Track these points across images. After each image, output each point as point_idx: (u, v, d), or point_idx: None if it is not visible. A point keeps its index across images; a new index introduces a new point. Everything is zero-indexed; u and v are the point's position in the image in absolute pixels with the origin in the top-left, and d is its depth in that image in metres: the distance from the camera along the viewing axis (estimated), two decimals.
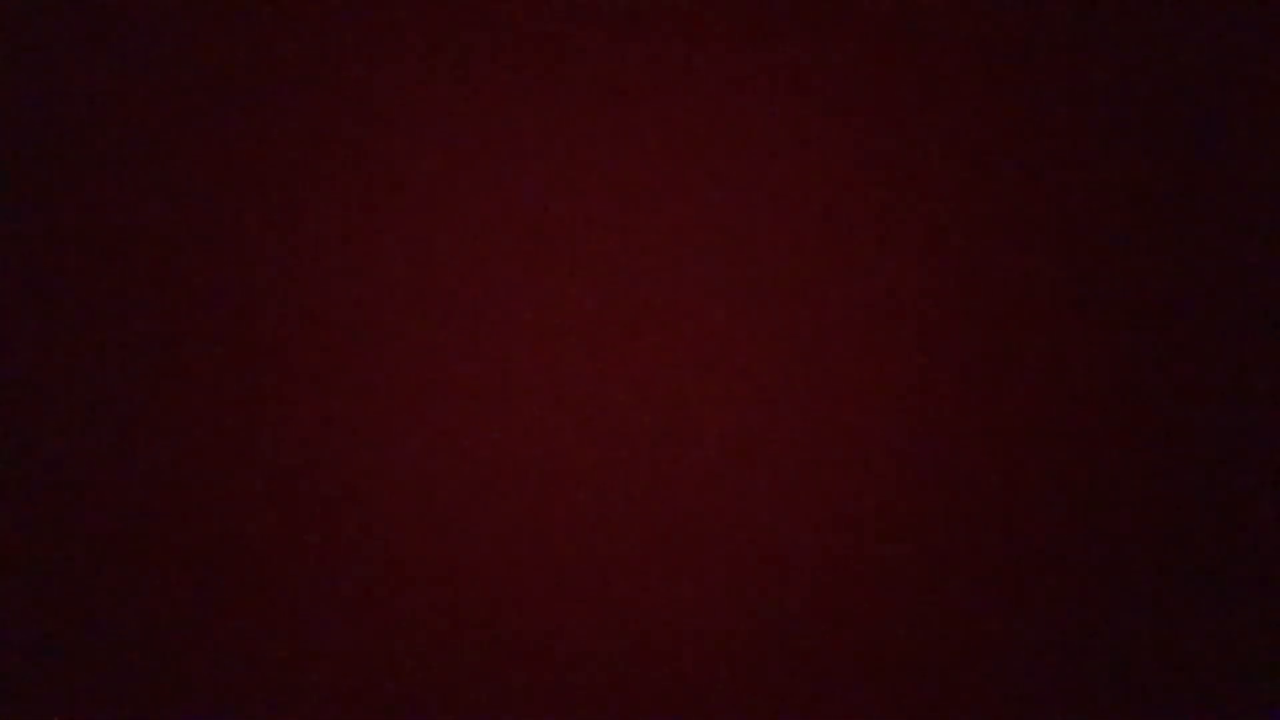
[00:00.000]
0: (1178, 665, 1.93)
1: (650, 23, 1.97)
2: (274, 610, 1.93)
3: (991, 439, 1.94)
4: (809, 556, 1.94)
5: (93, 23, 1.97)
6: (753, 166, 1.96)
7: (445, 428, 1.94)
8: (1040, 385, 1.95)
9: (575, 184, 1.96)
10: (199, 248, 1.95)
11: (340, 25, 1.97)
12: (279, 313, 1.95)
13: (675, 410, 1.95)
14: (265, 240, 1.95)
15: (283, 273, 1.95)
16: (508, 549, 1.94)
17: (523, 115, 1.97)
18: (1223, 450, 1.94)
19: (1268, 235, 1.96)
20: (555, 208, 1.96)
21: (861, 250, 1.96)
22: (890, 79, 1.97)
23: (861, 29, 1.97)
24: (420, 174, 1.96)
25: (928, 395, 1.95)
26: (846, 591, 1.93)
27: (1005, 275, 1.96)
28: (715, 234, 1.96)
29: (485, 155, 1.97)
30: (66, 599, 1.93)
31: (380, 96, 1.97)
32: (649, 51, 1.96)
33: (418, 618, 1.93)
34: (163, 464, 1.94)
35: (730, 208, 1.96)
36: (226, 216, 1.96)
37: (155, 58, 1.96)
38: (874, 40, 1.96)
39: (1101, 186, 1.97)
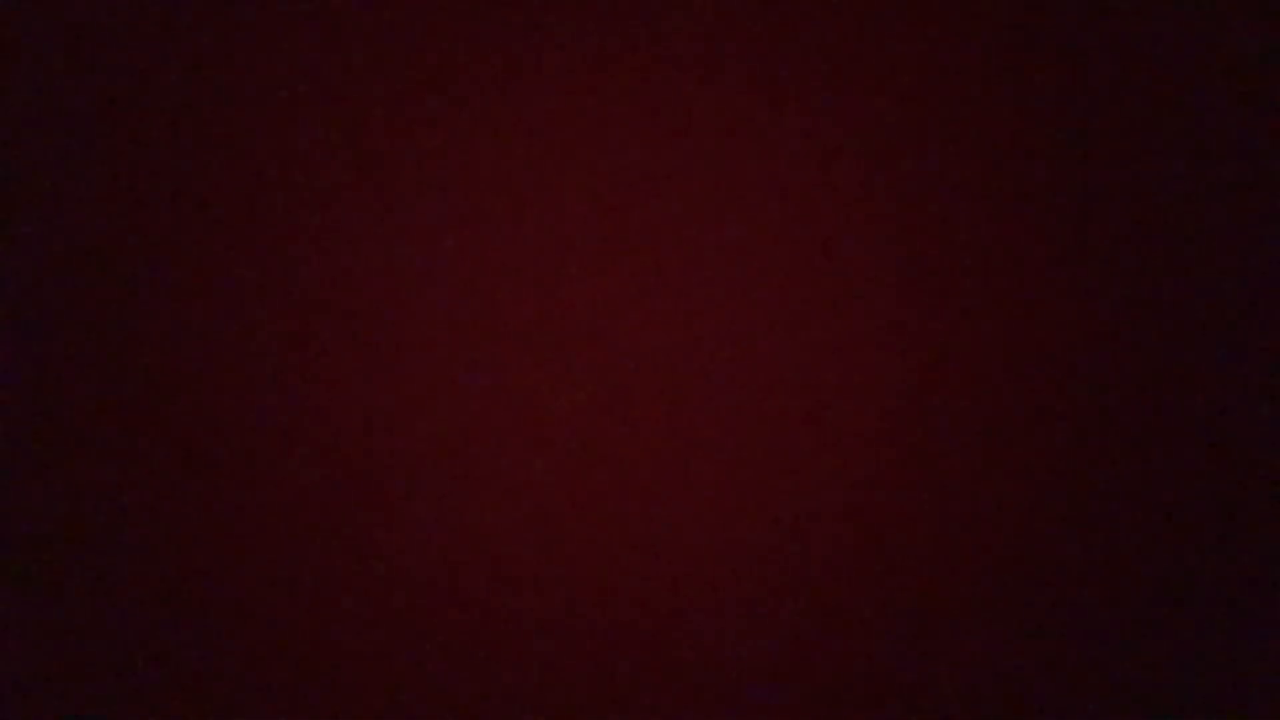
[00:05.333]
0: (1177, 665, 1.93)
1: (651, 23, 1.97)
2: (273, 609, 1.93)
3: (991, 438, 1.95)
4: (807, 556, 1.94)
5: (94, 24, 1.97)
6: (752, 166, 1.96)
7: (445, 427, 1.94)
8: (1039, 385, 1.95)
9: (577, 184, 1.97)
10: (203, 247, 1.95)
11: (341, 26, 1.97)
12: (279, 312, 1.95)
13: (675, 409, 1.95)
14: (266, 240, 1.95)
15: (284, 273, 1.95)
16: (508, 547, 1.94)
17: (525, 115, 1.97)
18: (1222, 450, 1.95)
19: (1268, 235, 1.96)
20: (557, 207, 1.96)
21: (861, 250, 1.96)
22: (889, 79, 1.97)
23: (861, 29, 1.97)
24: (422, 174, 1.96)
25: (928, 393, 1.95)
26: (847, 591, 1.94)
27: (1004, 274, 1.96)
28: (716, 233, 1.96)
29: (487, 155, 1.97)
30: (66, 598, 1.93)
31: (384, 97, 1.97)
32: (649, 52, 1.97)
33: (417, 616, 1.93)
34: (166, 463, 1.94)
35: (730, 208, 1.96)
36: (231, 216, 1.96)
37: (157, 58, 1.97)
38: (873, 40, 1.97)
39: (1100, 186, 1.97)
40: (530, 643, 1.93)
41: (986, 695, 1.93)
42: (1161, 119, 1.97)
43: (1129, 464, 1.95)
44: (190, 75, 1.97)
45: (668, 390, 1.95)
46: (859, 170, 1.96)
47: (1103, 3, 1.97)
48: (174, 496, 1.94)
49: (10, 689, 1.92)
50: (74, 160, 1.96)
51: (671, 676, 1.93)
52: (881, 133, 1.96)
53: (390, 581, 1.93)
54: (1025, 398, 1.95)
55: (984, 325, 1.95)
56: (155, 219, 1.96)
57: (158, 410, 1.94)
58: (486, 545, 1.94)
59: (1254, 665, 1.93)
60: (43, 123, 1.97)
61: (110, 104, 1.97)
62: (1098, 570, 1.94)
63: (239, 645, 1.93)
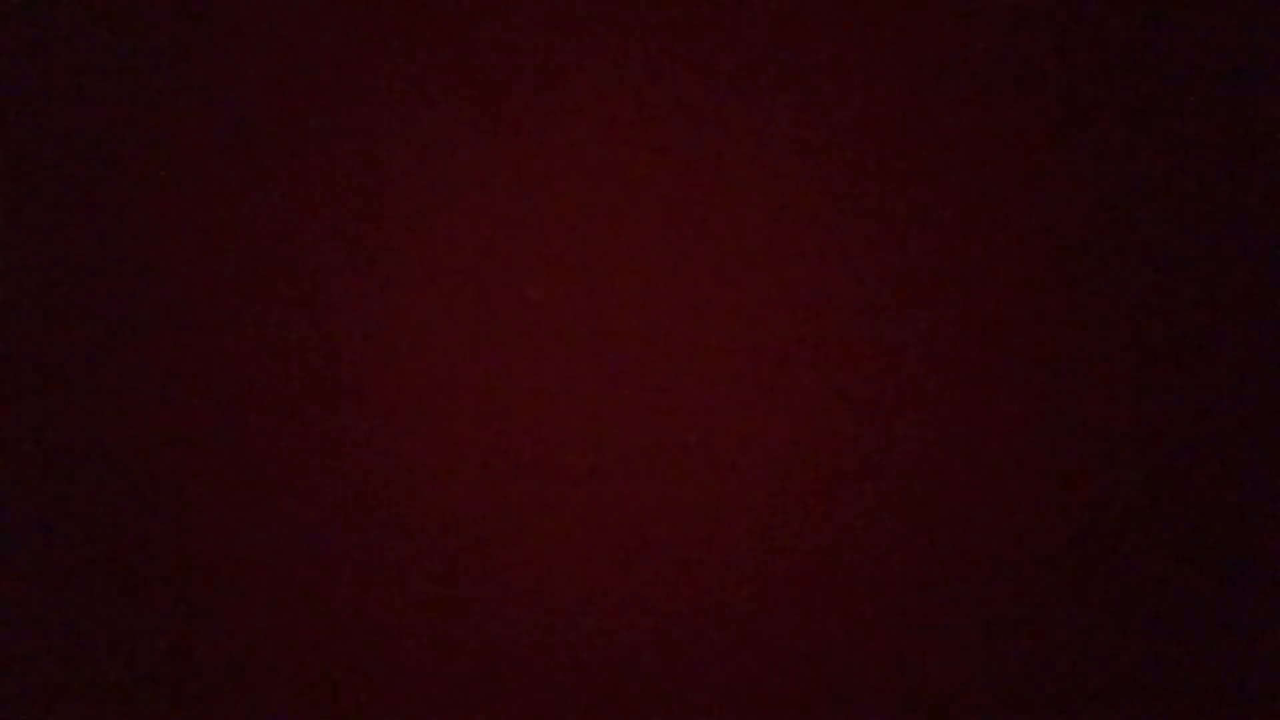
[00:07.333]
0: (1175, 666, 1.93)
1: (649, 23, 1.97)
2: (271, 609, 1.93)
3: (989, 438, 1.94)
4: (804, 555, 1.94)
5: (95, 25, 1.97)
6: (750, 166, 1.96)
7: (444, 427, 1.95)
8: (1037, 385, 1.95)
9: (574, 183, 1.97)
10: (202, 248, 1.96)
11: (341, 26, 1.97)
12: (278, 311, 1.95)
13: (674, 409, 1.95)
14: (264, 240, 1.96)
15: (282, 273, 1.96)
16: (506, 547, 1.94)
17: (525, 115, 1.97)
18: (1222, 450, 1.94)
19: (1268, 235, 1.96)
20: (554, 207, 1.96)
21: (860, 250, 1.96)
22: (887, 78, 1.96)
23: (858, 28, 1.97)
24: (421, 174, 1.97)
25: (926, 393, 1.95)
26: (844, 591, 1.93)
27: (1002, 274, 1.96)
28: (714, 233, 1.96)
29: (486, 155, 1.97)
30: (65, 598, 1.94)
31: (382, 97, 1.97)
32: (646, 52, 1.97)
33: (415, 617, 1.93)
34: (165, 463, 1.94)
35: (727, 207, 1.96)
36: (230, 216, 1.96)
37: (157, 56, 1.97)
38: (870, 39, 1.96)
39: (1099, 186, 1.96)
40: (527, 643, 1.93)
41: (985, 696, 1.93)
42: (1159, 119, 1.96)
43: (1126, 464, 1.94)
44: (190, 72, 1.97)
45: (665, 390, 1.95)
46: (858, 171, 1.96)
47: (1100, 3, 1.97)
48: (171, 495, 1.94)
49: (10, 689, 1.93)
50: (71, 161, 1.97)
51: (667, 676, 1.93)
52: (882, 134, 1.96)
53: (387, 583, 1.93)
54: (1024, 399, 1.95)
55: (982, 326, 1.95)
56: (158, 217, 1.96)
57: (155, 407, 1.95)
58: (485, 545, 1.94)
59: (1252, 665, 1.92)
60: (42, 123, 1.97)
61: (108, 105, 1.97)
62: (1097, 571, 1.94)
63: (234, 645, 1.93)
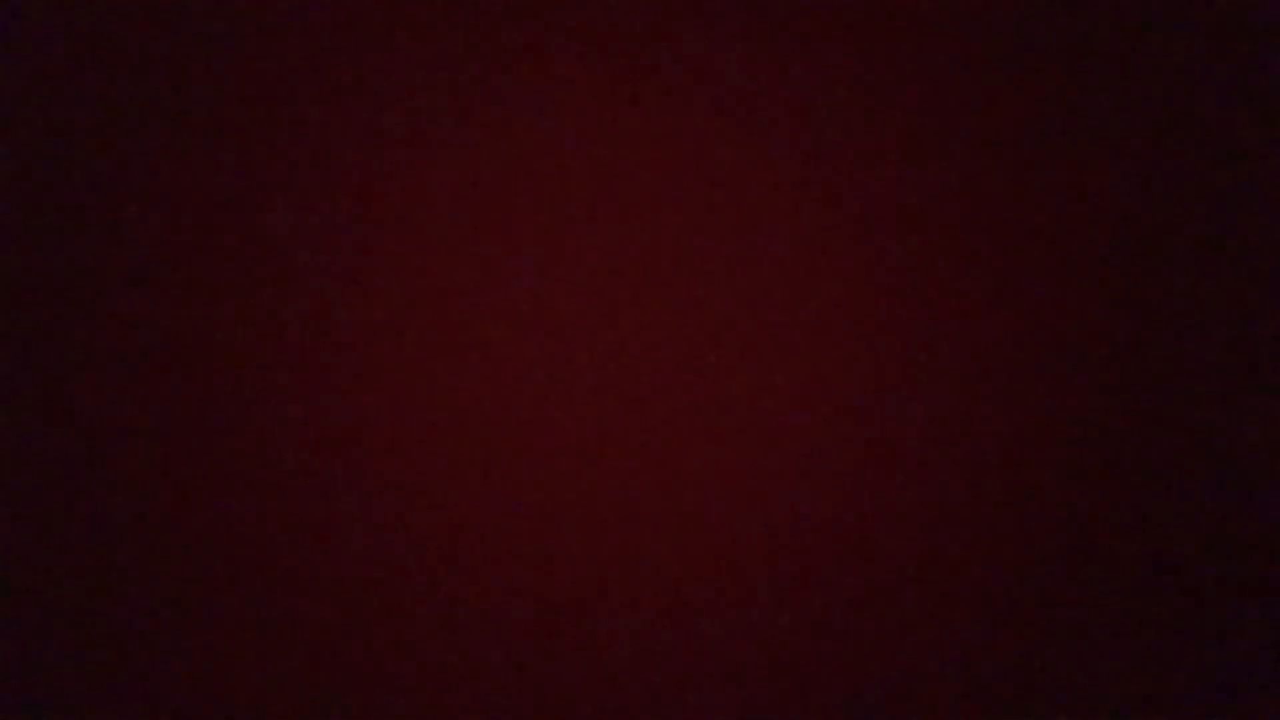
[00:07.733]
0: (1174, 666, 1.93)
1: (647, 23, 1.97)
2: (271, 607, 1.93)
3: (988, 437, 1.95)
4: (804, 553, 1.94)
5: (97, 26, 1.97)
6: (749, 165, 1.96)
7: (444, 426, 1.95)
8: (1037, 384, 1.95)
9: (573, 182, 1.97)
10: (200, 247, 1.96)
11: (341, 27, 1.97)
12: (279, 311, 1.95)
13: (672, 408, 1.95)
14: (264, 240, 1.96)
15: (283, 273, 1.95)
16: (505, 545, 1.94)
17: (524, 115, 1.97)
18: (1221, 449, 1.95)
19: (1268, 235, 1.96)
20: (554, 207, 1.96)
21: (860, 249, 1.96)
22: (887, 77, 1.97)
23: (857, 26, 1.97)
24: (421, 174, 1.97)
25: (925, 393, 1.95)
26: (843, 588, 1.94)
27: (1003, 274, 1.96)
28: (712, 233, 1.96)
29: (485, 155, 1.97)
30: (65, 598, 1.93)
31: (381, 99, 1.97)
32: (644, 52, 1.97)
33: (414, 614, 1.93)
34: (164, 461, 1.94)
35: (726, 207, 1.96)
36: (228, 216, 1.96)
37: (159, 59, 1.97)
38: (869, 37, 1.97)
39: (1099, 186, 1.97)
40: (524, 645, 1.93)
41: (981, 696, 1.94)
42: (1157, 119, 1.97)
43: (1121, 465, 1.95)
44: (188, 73, 1.97)
45: (663, 391, 1.95)
46: (856, 172, 1.96)
47: (1098, 4, 1.97)
48: (168, 495, 1.94)
49: (10, 689, 1.93)
50: (70, 162, 1.96)
51: (660, 676, 1.93)
52: (879, 135, 1.96)
53: (383, 584, 1.93)
54: (1020, 401, 1.95)
55: (977, 328, 1.95)
56: (155, 217, 1.96)
57: (153, 407, 1.94)
58: (482, 545, 1.94)
59: (1244, 663, 1.93)
60: (43, 125, 1.97)
61: (107, 106, 1.97)
62: (1094, 573, 1.94)
63: (230, 644, 1.93)
